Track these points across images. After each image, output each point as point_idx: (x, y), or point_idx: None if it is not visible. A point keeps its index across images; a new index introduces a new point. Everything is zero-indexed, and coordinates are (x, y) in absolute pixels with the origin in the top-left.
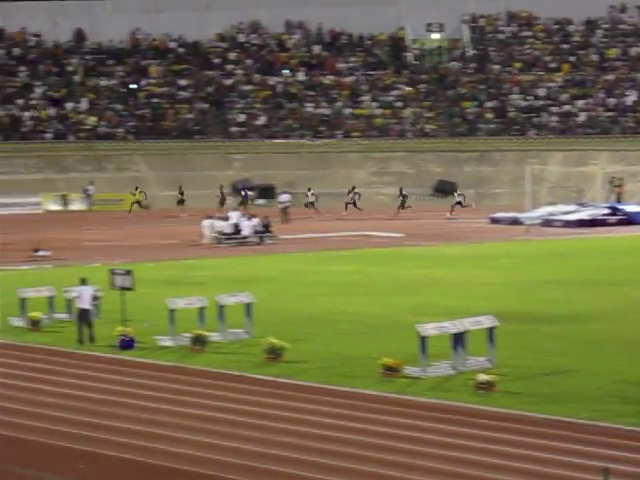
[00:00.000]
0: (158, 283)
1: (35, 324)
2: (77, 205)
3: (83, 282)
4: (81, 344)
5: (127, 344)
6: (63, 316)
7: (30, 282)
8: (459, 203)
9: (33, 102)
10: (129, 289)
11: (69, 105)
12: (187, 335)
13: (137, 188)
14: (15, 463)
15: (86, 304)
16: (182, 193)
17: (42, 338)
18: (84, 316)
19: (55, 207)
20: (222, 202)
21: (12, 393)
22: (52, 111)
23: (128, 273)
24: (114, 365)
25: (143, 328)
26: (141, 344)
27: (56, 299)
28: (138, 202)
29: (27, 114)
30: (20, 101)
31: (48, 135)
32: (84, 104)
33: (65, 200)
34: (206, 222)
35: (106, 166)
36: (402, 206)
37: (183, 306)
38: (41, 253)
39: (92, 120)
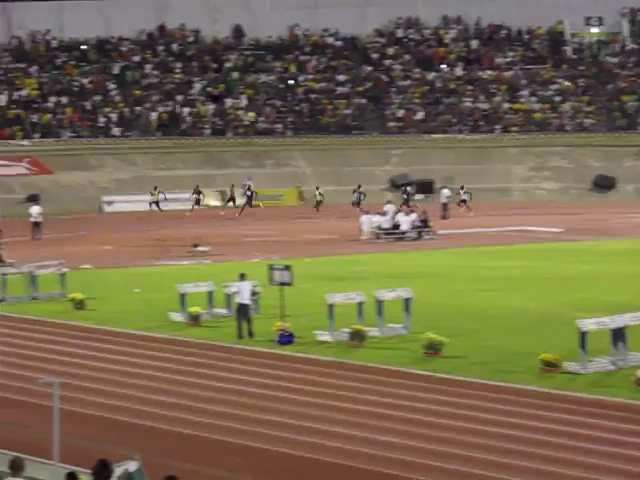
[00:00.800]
0: (316, 278)
1: (195, 319)
2: (237, 200)
3: (242, 277)
4: (240, 339)
5: (286, 339)
6: (222, 311)
7: (189, 277)
8: (464, 201)
9: (192, 98)
10: (288, 284)
11: (228, 101)
12: (346, 330)
13: (156, 188)
14: (175, 457)
15: (245, 299)
16: (199, 192)
17: (201, 333)
18: (243, 311)
19: (215, 202)
20: (232, 200)
21: (172, 388)
22: (211, 107)
23: (287, 268)
24: (273, 360)
25: (302, 323)
26: (300, 339)
27: (215, 294)
28: (156, 202)
29: (186, 110)
30: (179, 97)
31: (207, 131)
32: (243, 100)
33: (224, 196)
34: (364, 217)
35: (265, 162)
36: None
37: (342, 301)
38: (200, 249)
39: (251, 116)
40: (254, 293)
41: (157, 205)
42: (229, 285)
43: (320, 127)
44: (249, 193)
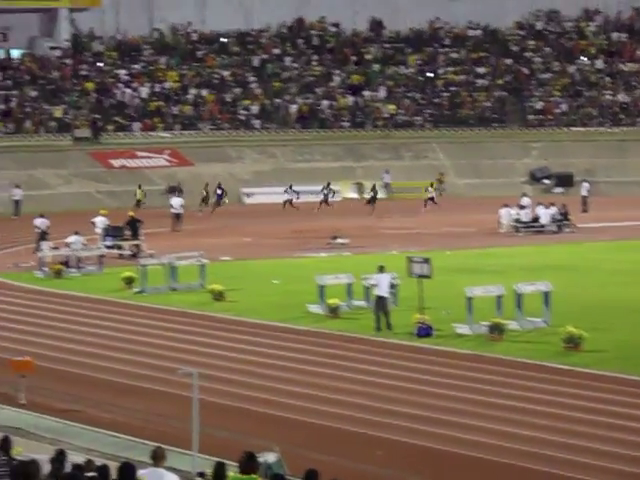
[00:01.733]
0: (455, 271)
1: (333, 311)
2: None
3: (381, 270)
4: (378, 332)
5: (425, 332)
6: (361, 303)
7: (328, 269)
8: (431, 199)
9: (332, 91)
10: (427, 277)
11: (367, 93)
12: (485, 323)
13: (140, 186)
14: (314, 449)
15: (384, 292)
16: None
17: (340, 325)
18: (381, 304)
19: (353, 195)
20: (205, 200)
21: (310, 380)
22: (350, 100)
23: (426, 261)
24: (411, 353)
25: (441, 316)
26: (439, 332)
27: (354, 286)
28: (138, 202)
29: (326, 103)
30: (319, 90)
31: (346, 123)
32: (382, 92)
33: (362, 188)
34: (503, 211)
35: (403, 154)
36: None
37: (481, 294)
38: (339, 241)
39: (390, 108)
40: (393, 285)
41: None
42: (368, 277)
43: (459, 119)
44: (219, 192)
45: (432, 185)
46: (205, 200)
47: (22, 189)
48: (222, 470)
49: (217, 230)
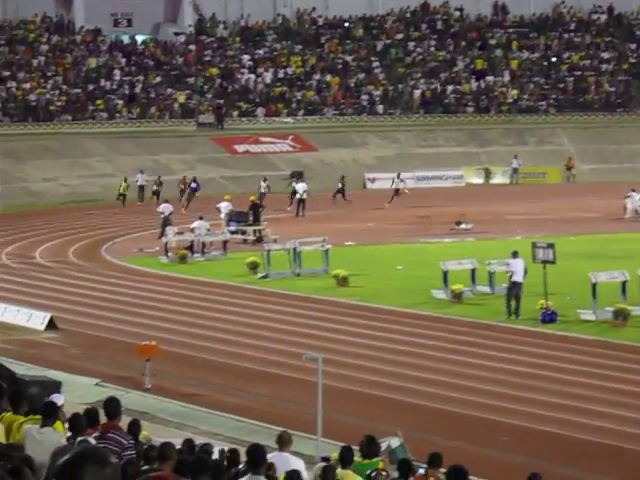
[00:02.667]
0: (579, 256)
1: (457, 296)
2: (499, 179)
3: (515, 255)
4: (509, 317)
5: (549, 317)
6: (485, 289)
7: (452, 255)
8: (397, 190)
9: (456, 76)
10: (551, 262)
11: (491, 79)
12: (609, 309)
13: (125, 179)
14: (438, 434)
15: (520, 277)
16: (160, 184)
17: (464, 310)
18: (516, 289)
19: (477, 180)
20: (182, 192)
21: (435, 365)
22: (474, 85)
23: (550, 246)
24: (536, 338)
25: (565, 302)
26: (563, 317)
27: (478, 272)
28: (123, 195)
29: (450, 88)
30: (443, 75)
31: (470, 108)
32: (506, 77)
33: (487, 173)
34: (629, 196)
35: (528, 139)
36: (336, 194)
37: (605, 280)
38: (463, 226)
39: (514, 93)
40: (526, 271)
41: (397, 192)
42: (502, 263)
43: (584, 104)
44: (194, 185)
45: (399, 176)
46: (182, 193)
47: (146, 174)
48: (348, 454)
49: (341, 215)
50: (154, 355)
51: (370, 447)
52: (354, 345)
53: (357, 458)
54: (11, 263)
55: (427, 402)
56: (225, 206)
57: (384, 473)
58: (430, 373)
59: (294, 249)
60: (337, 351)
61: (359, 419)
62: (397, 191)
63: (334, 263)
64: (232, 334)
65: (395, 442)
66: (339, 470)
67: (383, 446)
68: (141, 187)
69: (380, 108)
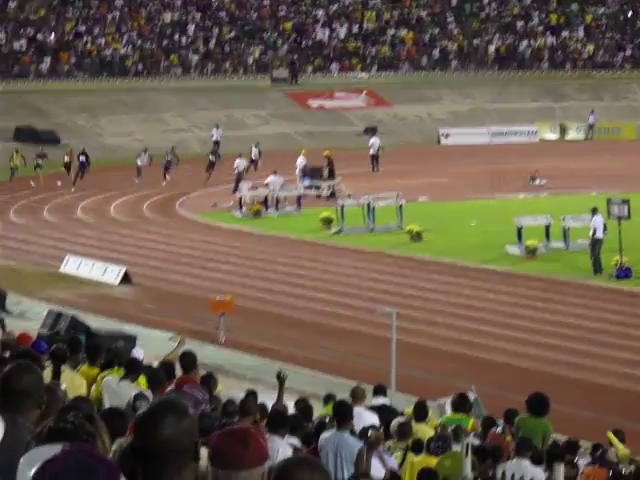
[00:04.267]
0: None
1: (531, 252)
2: (573, 134)
3: (594, 212)
4: (596, 274)
5: (624, 273)
6: (559, 244)
7: (526, 210)
8: (253, 161)
9: (531, 30)
10: (626, 218)
11: (566, 34)
12: None
13: (17, 151)
14: (506, 388)
15: (600, 233)
16: (42, 156)
17: (538, 266)
18: (598, 245)
19: (551, 136)
20: (67, 168)
21: (507, 320)
22: (550, 39)
23: (625, 202)
24: (610, 294)
25: (639, 257)
26: (638, 274)
27: (552, 227)
28: (13, 168)
29: (525, 43)
30: (518, 29)
31: (545, 64)
32: (581, 32)
33: (562, 129)
34: None
35: (603, 95)
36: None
37: None
38: (537, 182)
39: (589, 49)
40: (605, 227)
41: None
42: (577, 219)
43: None
44: (82, 158)
45: (257, 145)
46: (67, 168)
47: (221, 129)
48: (422, 409)
49: (414, 171)
50: (228, 310)
51: (461, 402)
52: (427, 300)
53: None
54: (86, 218)
55: (500, 358)
56: (300, 161)
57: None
58: (503, 329)
59: (368, 204)
60: (410, 306)
61: (432, 374)
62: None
63: (408, 218)
64: (305, 289)
65: (469, 397)
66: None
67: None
68: (216, 142)
69: (454, 63)
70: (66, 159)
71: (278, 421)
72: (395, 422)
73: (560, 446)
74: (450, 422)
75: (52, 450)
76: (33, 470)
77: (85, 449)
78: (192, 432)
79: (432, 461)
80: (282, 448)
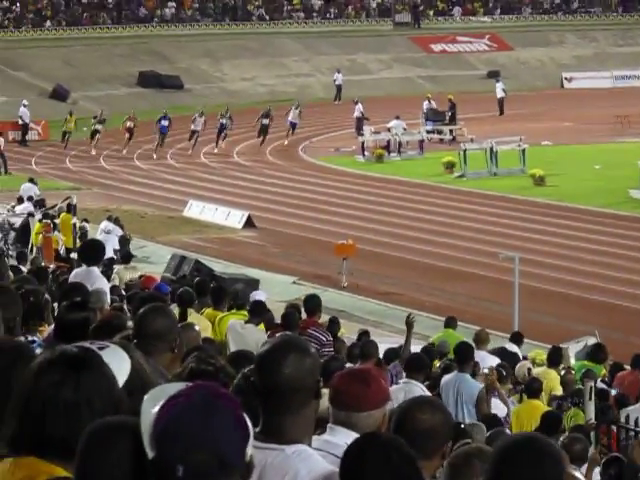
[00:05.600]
0: None
1: None
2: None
3: None
4: None
5: None
6: None
7: None
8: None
9: None
10: None
11: None
12: None
13: (71, 114)
14: (629, 332)
15: None
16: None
17: None
18: None
19: None
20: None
21: (631, 265)
22: None
23: None
24: None
25: None
26: None
27: None
28: (67, 132)
29: None
30: None
31: None
32: None
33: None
34: None
35: None
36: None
37: None
38: None
39: None
40: None
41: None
42: None
43: None
44: (165, 123)
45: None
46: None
47: (342, 74)
48: (557, 354)
49: (537, 115)
50: (351, 254)
51: (595, 352)
52: (551, 245)
53: (586, 362)
54: (209, 162)
55: (626, 302)
56: (425, 105)
57: (572, 372)
58: (628, 273)
59: (490, 148)
60: (534, 251)
61: (556, 319)
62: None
63: (531, 163)
64: (428, 233)
65: (592, 342)
66: (543, 369)
67: (579, 346)
68: (338, 87)
69: (578, 6)
70: (129, 124)
71: (416, 365)
72: (519, 365)
73: None
74: (582, 368)
75: (176, 387)
76: (157, 406)
77: (209, 386)
78: (314, 371)
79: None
80: (419, 393)
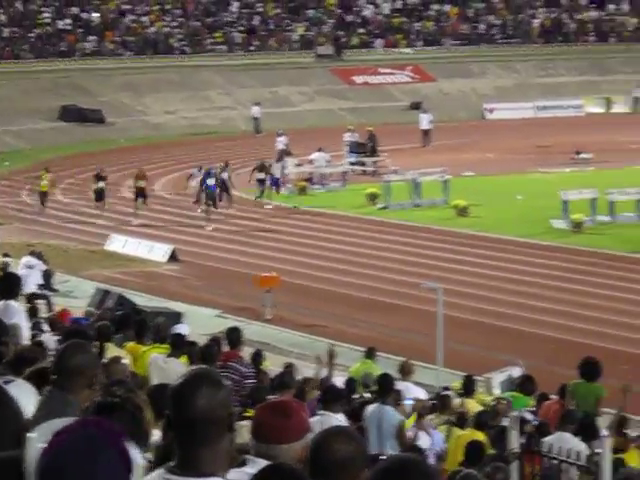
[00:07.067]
0: None
1: (578, 226)
2: (620, 107)
3: None
4: None
5: None
6: (605, 218)
7: (572, 184)
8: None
9: (575, 4)
10: None
11: (611, 7)
12: None
13: (47, 170)
14: (558, 364)
15: None
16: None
17: (584, 240)
18: None
19: (597, 109)
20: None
21: (555, 294)
22: (594, 13)
23: None
24: None
25: None
26: None
27: (598, 201)
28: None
29: (569, 16)
30: (563, 3)
31: (590, 37)
32: (625, 5)
33: (608, 102)
34: None
35: None
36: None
37: None
38: (583, 156)
39: (634, 22)
40: None
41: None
42: (623, 192)
43: None
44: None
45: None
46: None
47: (264, 106)
48: (470, 383)
49: (459, 146)
50: (275, 286)
51: (526, 384)
52: (474, 275)
53: (515, 393)
54: (132, 196)
55: (548, 332)
56: (347, 137)
57: (504, 402)
58: (550, 303)
59: (414, 180)
60: (457, 281)
61: (479, 349)
62: None
63: (454, 193)
64: (352, 265)
65: (516, 372)
66: (462, 399)
67: (503, 376)
68: (256, 119)
69: (499, 38)
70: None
71: (332, 397)
72: (435, 395)
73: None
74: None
75: (63, 423)
76: (43, 442)
77: (95, 422)
78: (227, 403)
79: (479, 435)
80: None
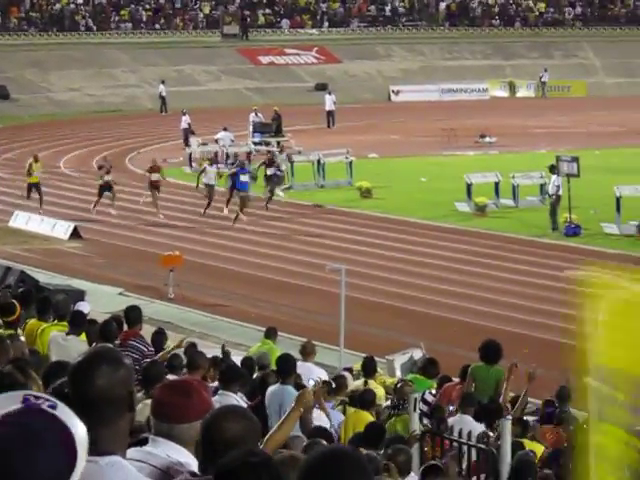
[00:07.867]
0: (604, 170)
1: (481, 209)
2: (524, 92)
3: (552, 170)
4: (554, 231)
5: (573, 231)
6: (509, 202)
7: (476, 167)
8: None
9: None
10: (575, 176)
11: None
12: (633, 223)
13: (36, 159)
14: (460, 346)
15: (561, 191)
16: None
17: (487, 223)
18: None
19: (501, 94)
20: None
21: (458, 278)
22: None
23: (574, 160)
24: (559, 251)
25: (589, 215)
26: (587, 231)
27: (502, 185)
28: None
29: (476, 0)
30: None
31: (496, 21)
32: None
33: (512, 87)
34: None
35: (553, 53)
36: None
37: (629, 194)
38: (487, 139)
39: (540, 6)
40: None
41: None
42: (526, 176)
43: (610, 18)
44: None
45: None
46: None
47: (170, 85)
48: (371, 365)
49: (365, 127)
50: (177, 265)
51: (428, 367)
52: (377, 257)
53: (418, 375)
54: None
55: (450, 314)
56: (252, 117)
57: (411, 384)
58: (453, 285)
59: (318, 161)
60: (360, 263)
61: (381, 330)
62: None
63: (358, 175)
64: (254, 245)
65: (418, 354)
66: (362, 380)
67: (405, 358)
68: (163, 98)
69: (405, 20)
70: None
71: (231, 376)
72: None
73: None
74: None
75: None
76: None
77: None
78: (127, 381)
79: (365, 415)
80: (235, 403)
